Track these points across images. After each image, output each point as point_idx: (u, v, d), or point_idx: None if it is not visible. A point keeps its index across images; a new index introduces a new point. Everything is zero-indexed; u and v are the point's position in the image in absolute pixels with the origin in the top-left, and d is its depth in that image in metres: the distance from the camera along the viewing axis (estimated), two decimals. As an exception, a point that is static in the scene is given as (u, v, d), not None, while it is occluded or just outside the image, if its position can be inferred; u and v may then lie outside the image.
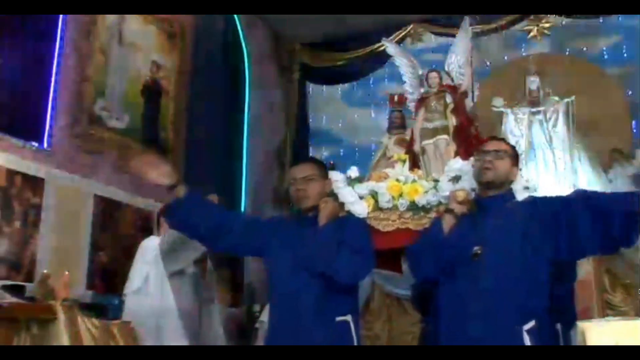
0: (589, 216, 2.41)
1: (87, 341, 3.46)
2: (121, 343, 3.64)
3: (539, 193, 3.88)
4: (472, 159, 3.35)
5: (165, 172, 2.72)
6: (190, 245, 3.80)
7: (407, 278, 4.12)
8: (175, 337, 3.70)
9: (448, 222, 2.66)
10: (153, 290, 3.81)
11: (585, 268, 4.43)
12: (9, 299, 3.77)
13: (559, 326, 3.00)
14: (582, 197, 2.53)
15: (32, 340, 3.37)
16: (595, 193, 2.66)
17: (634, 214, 2.34)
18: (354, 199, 4.36)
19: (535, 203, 2.65)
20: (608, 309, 4.81)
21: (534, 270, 2.49)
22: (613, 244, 2.48)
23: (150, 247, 3.92)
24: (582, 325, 2.30)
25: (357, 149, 8.38)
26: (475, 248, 2.50)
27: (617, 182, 5.94)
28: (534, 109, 6.70)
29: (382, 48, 7.38)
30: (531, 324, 2.41)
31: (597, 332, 2.21)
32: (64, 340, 3.35)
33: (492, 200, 2.65)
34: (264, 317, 6.34)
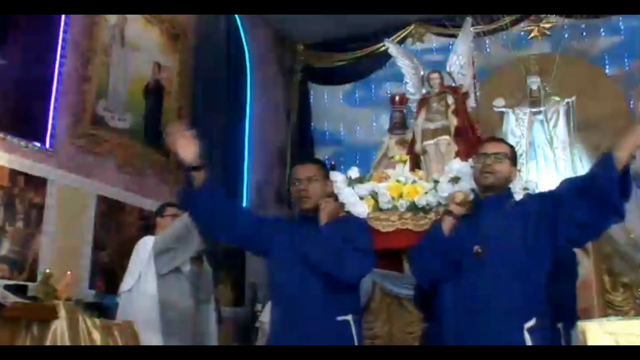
0: (583, 199, 2.44)
1: (87, 341, 3.47)
2: (121, 343, 3.65)
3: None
4: (471, 160, 3.36)
5: (194, 152, 2.72)
6: (185, 244, 3.78)
7: (409, 277, 4.14)
8: (167, 335, 3.68)
9: (447, 224, 2.67)
10: (145, 289, 3.80)
11: (586, 268, 4.43)
12: (12, 298, 3.78)
13: (560, 325, 3.01)
14: (571, 185, 2.57)
15: (32, 340, 3.37)
16: (578, 177, 2.67)
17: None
18: (355, 199, 4.38)
19: (532, 200, 2.68)
20: (609, 309, 4.80)
21: (533, 268, 2.51)
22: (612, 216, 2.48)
23: (145, 247, 3.91)
24: (582, 324, 2.30)
25: (358, 149, 8.38)
26: (476, 247, 2.52)
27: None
28: (534, 109, 6.72)
29: (383, 48, 7.41)
30: (532, 322, 2.42)
31: (598, 331, 2.22)
32: (65, 340, 3.36)
33: (491, 201, 2.67)
34: (264, 317, 6.36)
